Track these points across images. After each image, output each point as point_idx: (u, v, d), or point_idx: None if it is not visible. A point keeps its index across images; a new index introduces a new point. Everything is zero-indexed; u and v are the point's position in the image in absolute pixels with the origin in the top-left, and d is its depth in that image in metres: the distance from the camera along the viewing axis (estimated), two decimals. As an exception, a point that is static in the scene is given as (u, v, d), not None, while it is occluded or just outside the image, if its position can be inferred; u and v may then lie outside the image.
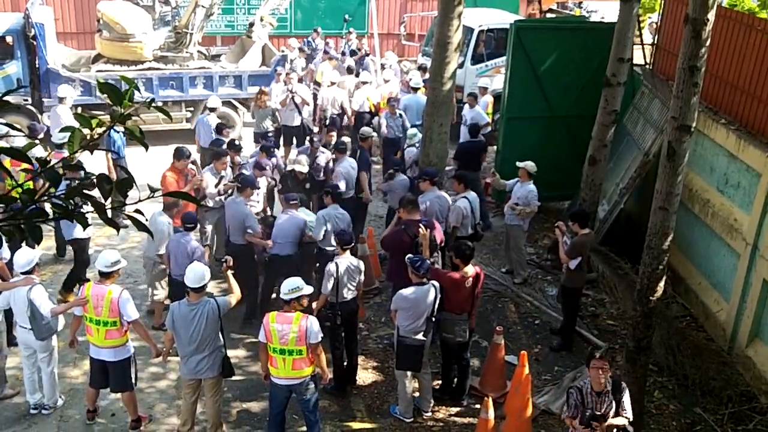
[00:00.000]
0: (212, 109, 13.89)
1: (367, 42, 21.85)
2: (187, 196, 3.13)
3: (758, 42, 9.54)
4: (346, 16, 23.39)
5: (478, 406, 7.80)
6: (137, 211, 2.78)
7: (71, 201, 2.72)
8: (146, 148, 2.99)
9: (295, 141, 14.98)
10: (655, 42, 13.03)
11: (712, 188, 10.19)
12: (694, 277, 10.48)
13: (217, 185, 10.67)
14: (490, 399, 7.42)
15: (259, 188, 10.62)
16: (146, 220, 3.03)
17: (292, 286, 7.23)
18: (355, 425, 8.27)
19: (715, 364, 9.13)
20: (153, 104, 3.10)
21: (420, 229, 8.60)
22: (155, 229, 9.30)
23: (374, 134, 13.75)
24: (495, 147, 13.47)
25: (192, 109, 16.77)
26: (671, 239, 7.54)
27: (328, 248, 9.41)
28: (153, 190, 2.87)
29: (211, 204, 10.73)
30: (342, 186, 10.87)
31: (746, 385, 8.78)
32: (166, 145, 13.29)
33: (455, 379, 8.62)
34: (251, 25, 18.64)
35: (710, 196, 10.15)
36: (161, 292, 9.69)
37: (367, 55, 20.41)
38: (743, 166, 9.39)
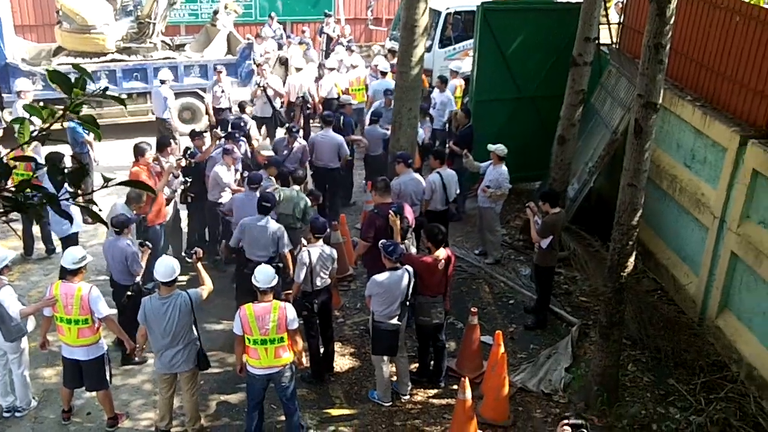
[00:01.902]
0: (162, 81, 14.42)
1: (338, 28, 21.71)
2: (143, 185, 3.09)
3: (722, 19, 9.64)
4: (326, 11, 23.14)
5: (455, 387, 7.84)
6: (90, 201, 2.74)
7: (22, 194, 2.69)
8: (99, 138, 2.95)
9: (265, 131, 14.93)
10: (622, 21, 13.11)
11: (679, 164, 10.32)
12: (664, 252, 10.62)
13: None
14: (467, 379, 7.46)
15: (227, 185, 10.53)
16: (100, 210, 2.99)
17: (269, 275, 7.20)
18: (334, 412, 8.29)
19: (686, 336, 9.31)
20: (107, 93, 3.04)
21: (390, 215, 8.61)
22: None
23: (352, 101, 14.10)
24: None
25: None
26: (640, 215, 7.63)
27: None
28: (106, 180, 2.84)
29: (168, 193, 10.63)
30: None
31: (717, 354, 8.96)
32: (133, 138, 13.13)
33: (432, 362, 8.67)
34: (215, 13, 18.41)
35: (678, 172, 10.28)
36: None
37: (339, 41, 20.29)
38: (709, 141, 9.51)
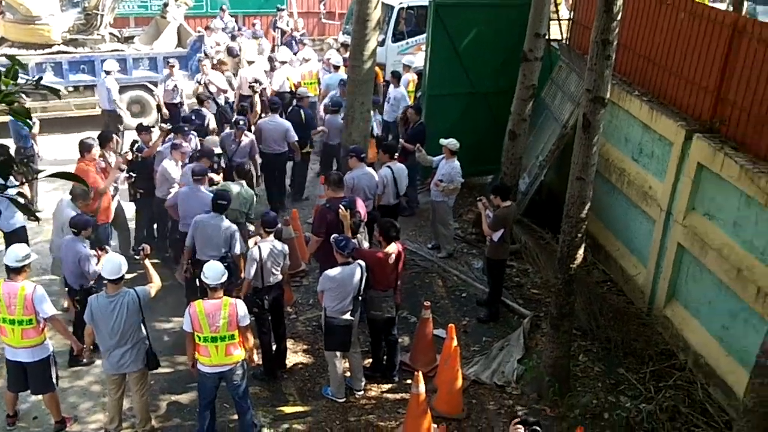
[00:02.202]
0: (108, 72, 14.28)
1: (292, 22, 21.55)
2: (76, 177, 3.02)
3: (668, 16, 9.80)
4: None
5: (409, 381, 7.86)
6: (20, 194, 2.68)
7: None
8: (30, 128, 2.90)
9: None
10: (572, 17, 13.24)
11: (627, 158, 10.48)
12: (613, 244, 10.79)
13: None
14: (420, 373, 7.49)
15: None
16: (32, 205, 2.92)
17: (219, 271, 7.12)
18: (288, 409, 8.23)
19: (635, 326, 9.47)
20: (41, 84, 2.96)
21: (340, 210, 8.58)
22: (62, 219, 8.95)
23: (309, 94, 14.10)
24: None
25: None
26: (589, 208, 7.73)
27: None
28: (36, 172, 2.79)
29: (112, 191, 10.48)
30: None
31: (665, 343, 9.13)
32: (80, 132, 12.89)
33: (385, 357, 8.67)
34: (166, 5, 18.10)
35: (626, 165, 10.43)
36: None
37: (293, 35, 20.15)
38: (656, 135, 9.67)
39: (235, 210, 9.51)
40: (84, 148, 9.91)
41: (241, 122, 11.58)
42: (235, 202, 9.43)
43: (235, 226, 8.82)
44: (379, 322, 8.38)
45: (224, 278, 7.14)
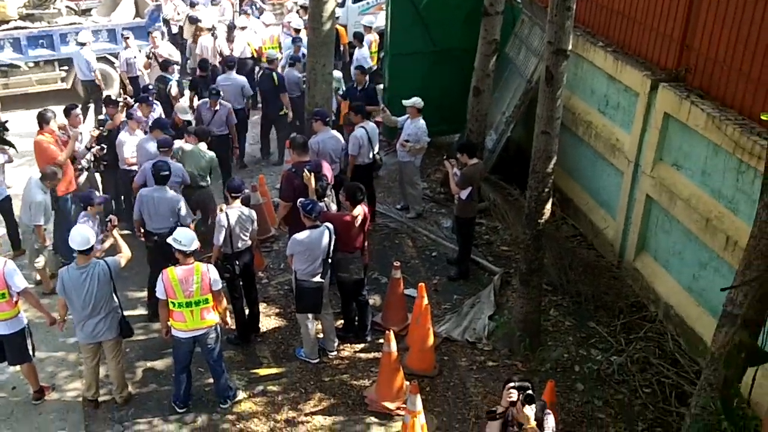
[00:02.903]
0: (82, 44, 14.34)
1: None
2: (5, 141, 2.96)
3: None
4: None
5: (381, 340, 7.90)
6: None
7: None
8: None
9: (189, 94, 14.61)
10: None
11: (593, 110, 10.49)
12: (582, 198, 10.83)
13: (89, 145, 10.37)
14: (392, 332, 7.53)
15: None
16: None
17: (190, 237, 7.21)
18: (262, 371, 8.28)
19: (605, 279, 9.57)
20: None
21: (304, 173, 8.53)
22: (29, 199, 9.01)
23: (279, 55, 14.11)
24: (382, 85, 13.40)
25: (66, 68, 15.91)
26: (556, 163, 7.75)
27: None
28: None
29: (85, 164, 10.52)
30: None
31: (636, 296, 9.23)
32: (42, 107, 12.62)
33: (356, 317, 8.71)
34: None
35: (592, 118, 10.45)
36: (41, 260, 9.39)
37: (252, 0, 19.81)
38: (622, 86, 9.67)
39: (193, 173, 9.62)
40: (42, 119, 9.89)
41: (214, 91, 11.56)
42: (189, 163, 9.45)
43: (179, 196, 8.85)
44: (348, 284, 8.42)
45: (196, 245, 7.21)
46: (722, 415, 5.35)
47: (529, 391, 5.10)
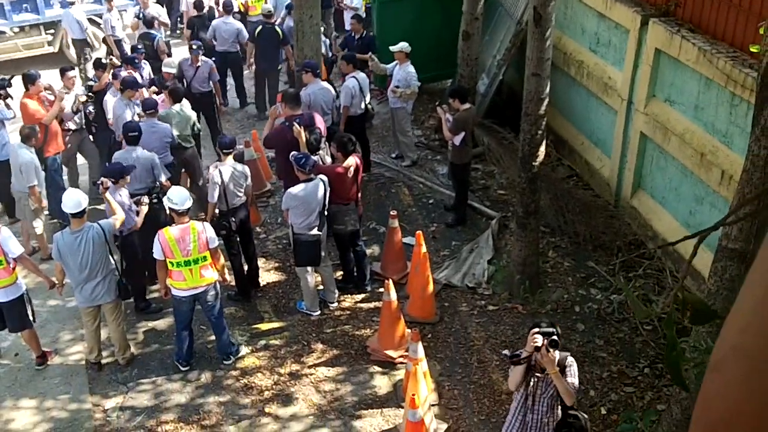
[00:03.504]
0: (71, 3, 14.74)
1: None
2: None
3: None
4: None
5: (381, 290, 7.94)
6: None
7: None
8: None
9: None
10: None
11: (584, 49, 10.37)
12: (576, 138, 10.78)
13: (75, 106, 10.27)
14: (392, 281, 7.57)
15: None
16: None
17: (185, 196, 7.22)
18: (264, 326, 8.34)
19: (603, 219, 9.57)
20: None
21: (294, 127, 8.47)
22: (20, 162, 8.93)
23: (270, 7, 13.84)
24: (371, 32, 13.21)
25: (52, 31, 15.70)
26: (549, 104, 7.70)
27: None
28: None
29: (73, 126, 10.43)
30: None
31: (633, 234, 9.25)
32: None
33: (355, 268, 8.74)
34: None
35: (584, 57, 10.33)
36: (39, 224, 9.36)
37: None
38: (612, 24, 9.55)
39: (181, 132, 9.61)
40: (28, 80, 9.83)
41: (195, 47, 11.39)
42: (180, 126, 9.50)
43: (153, 155, 8.68)
44: (344, 236, 8.44)
45: (190, 203, 7.23)
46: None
47: (555, 337, 5.07)
